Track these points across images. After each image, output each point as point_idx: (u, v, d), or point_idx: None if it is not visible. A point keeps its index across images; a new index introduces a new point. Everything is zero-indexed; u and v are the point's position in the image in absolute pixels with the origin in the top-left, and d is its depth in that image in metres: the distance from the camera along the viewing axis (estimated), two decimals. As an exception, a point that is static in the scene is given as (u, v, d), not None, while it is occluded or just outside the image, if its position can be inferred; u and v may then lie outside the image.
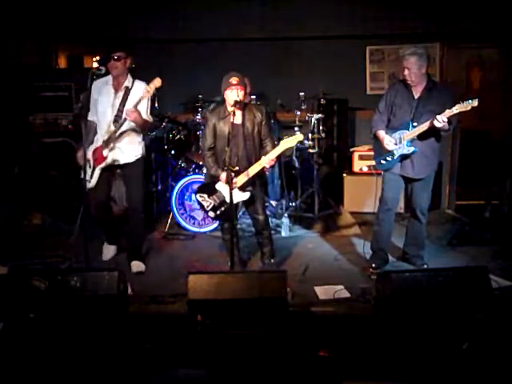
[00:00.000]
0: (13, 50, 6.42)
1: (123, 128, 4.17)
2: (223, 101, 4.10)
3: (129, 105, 4.13)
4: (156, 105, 5.88)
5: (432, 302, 3.10)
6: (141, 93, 4.05)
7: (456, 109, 3.78)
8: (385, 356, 2.90)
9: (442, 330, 2.98)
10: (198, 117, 5.83)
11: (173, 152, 5.93)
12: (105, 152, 4.21)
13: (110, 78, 4.22)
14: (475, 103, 3.72)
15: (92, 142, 4.29)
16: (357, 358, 2.93)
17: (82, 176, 4.18)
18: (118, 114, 4.16)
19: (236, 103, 3.86)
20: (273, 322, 3.05)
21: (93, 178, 4.28)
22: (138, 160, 4.36)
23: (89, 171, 4.23)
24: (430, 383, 2.73)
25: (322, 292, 3.96)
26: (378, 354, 2.93)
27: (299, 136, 3.95)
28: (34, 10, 6.50)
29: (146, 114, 4.19)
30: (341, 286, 4.01)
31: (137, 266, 4.41)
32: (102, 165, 4.25)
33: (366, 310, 3.58)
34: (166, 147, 5.90)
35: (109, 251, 4.70)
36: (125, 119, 4.09)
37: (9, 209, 5.80)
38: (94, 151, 4.26)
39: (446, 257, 4.70)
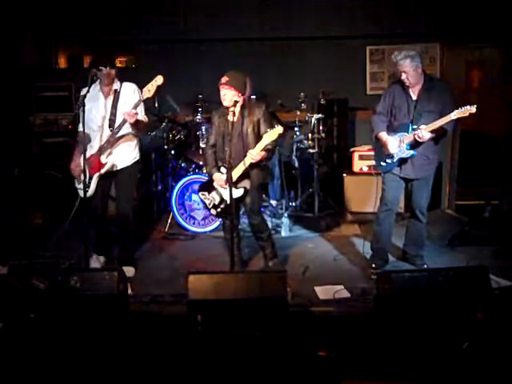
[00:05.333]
0: (13, 50, 6.41)
1: (122, 132, 4.12)
2: None
3: (121, 107, 4.10)
4: (156, 105, 5.89)
5: (432, 302, 3.10)
6: (131, 94, 4.09)
7: (454, 115, 3.79)
8: (385, 356, 2.90)
9: (441, 329, 2.98)
10: (198, 117, 5.83)
11: (173, 152, 5.93)
12: (103, 159, 4.13)
13: (97, 83, 4.12)
14: (473, 110, 3.73)
15: (85, 151, 4.07)
16: (356, 357, 2.93)
17: (77, 185, 4.25)
18: (111, 118, 4.11)
19: (236, 103, 3.91)
20: (273, 322, 3.05)
21: (90, 188, 4.13)
22: (134, 163, 4.31)
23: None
24: (430, 383, 2.73)
25: (322, 292, 3.96)
26: (377, 354, 2.93)
27: (279, 128, 3.84)
28: (34, 10, 6.50)
29: (142, 115, 4.15)
30: (341, 286, 4.01)
31: (126, 271, 4.23)
32: (101, 172, 4.15)
33: (365, 310, 3.59)
34: (166, 147, 5.89)
35: (97, 263, 4.44)
36: (124, 122, 4.02)
37: (9, 209, 5.80)
38: (88, 159, 4.04)
39: (445, 257, 4.70)
